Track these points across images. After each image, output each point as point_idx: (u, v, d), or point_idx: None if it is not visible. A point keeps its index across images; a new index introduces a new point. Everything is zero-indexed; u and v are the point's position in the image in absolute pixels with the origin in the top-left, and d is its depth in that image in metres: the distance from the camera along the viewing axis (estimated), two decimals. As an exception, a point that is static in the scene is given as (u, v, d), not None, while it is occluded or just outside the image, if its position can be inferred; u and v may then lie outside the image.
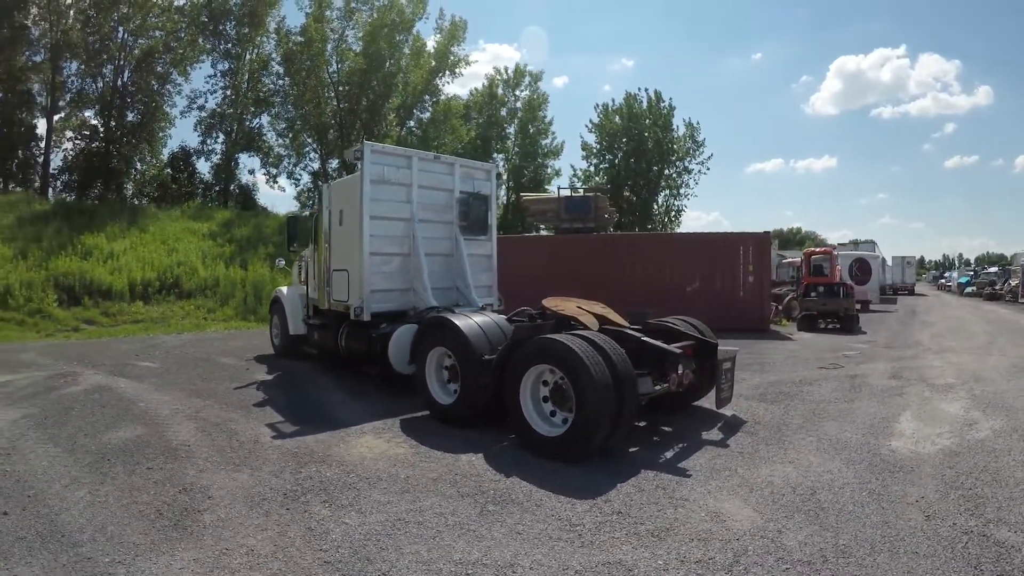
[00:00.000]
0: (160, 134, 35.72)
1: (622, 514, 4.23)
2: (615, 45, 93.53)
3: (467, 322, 6.71)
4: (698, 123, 42.83)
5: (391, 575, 3.36)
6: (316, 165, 40.89)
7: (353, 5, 36.86)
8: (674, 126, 41.53)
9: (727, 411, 6.92)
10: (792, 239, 63.56)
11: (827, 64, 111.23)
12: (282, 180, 60.35)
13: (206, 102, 35.88)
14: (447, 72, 39.62)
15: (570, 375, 5.23)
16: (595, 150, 42.85)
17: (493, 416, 6.29)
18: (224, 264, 22.11)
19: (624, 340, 5.92)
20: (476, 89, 45.86)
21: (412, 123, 41.70)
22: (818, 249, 23.43)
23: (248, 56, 35.76)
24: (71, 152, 31.72)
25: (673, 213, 42.15)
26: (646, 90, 42.47)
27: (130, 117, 32.91)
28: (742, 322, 16.58)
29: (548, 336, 5.61)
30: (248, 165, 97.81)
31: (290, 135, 39.74)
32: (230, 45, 34.20)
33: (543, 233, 24.69)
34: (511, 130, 45.86)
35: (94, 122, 31.91)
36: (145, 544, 3.95)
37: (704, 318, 16.66)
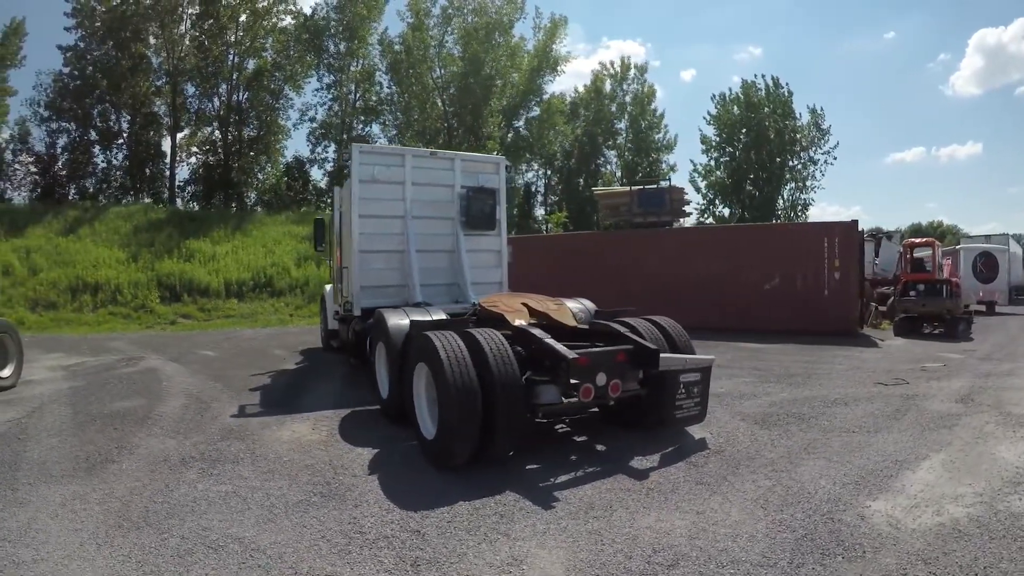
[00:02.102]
0: (277, 145, 39.77)
1: (423, 535, 3.85)
2: (742, 33, 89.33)
3: (397, 320, 6.80)
4: (821, 109, 40.31)
5: (173, 532, 3.96)
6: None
7: (450, 11, 38.76)
8: (796, 114, 39.36)
9: (698, 432, 6.14)
10: (932, 234, 57.28)
11: (965, 39, 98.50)
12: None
13: (316, 114, 39.43)
14: (548, 71, 40.46)
15: (435, 375, 5.09)
16: (714, 143, 41.66)
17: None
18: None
19: (528, 342, 5.61)
20: (586, 86, 46.44)
21: (520, 123, 43.01)
22: (919, 240, 21.10)
23: (352, 68, 38.78)
24: (195, 166, 36.30)
25: (800, 208, 39.90)
26: (763, 77, 40.70)
27: (249, 131, 37.01)
28: (826, 325, 15.31)
29: (425, 332, 5.41)
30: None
31: (400, 141, 42.44)
32: (333, 59, 37.30)
33: (588, 231, 24.54)
34: (621, 125, 45.80)
35: (215, 136, 36.19)
36: (56, 475, 5.08)
37: (783, 320, 15.89)
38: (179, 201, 34.35)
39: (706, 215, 41.51)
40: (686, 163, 57.29)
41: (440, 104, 41.02)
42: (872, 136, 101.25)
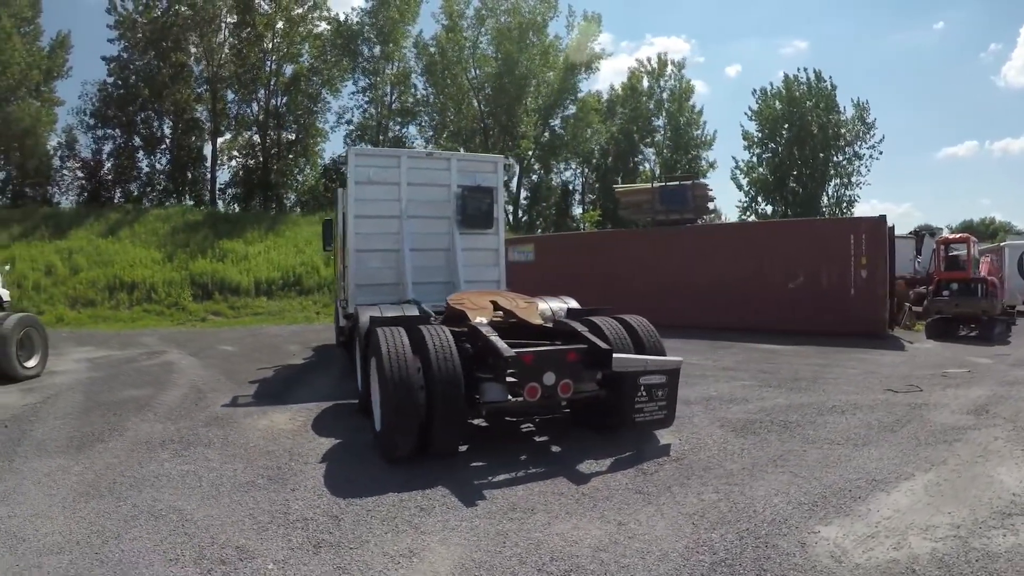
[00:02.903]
0: (315, 148, 40.98)
1: (338, 521, 4.09)
2: (787, 27, 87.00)
3: (366, 316, 6.97)
4: (866, 102, 39.29)
5: (127, 501, 4.43)
6: (465, 168, 43.94)
7: (484, 12, 39.31)
8: (840, 107, 38.60)
9: (668, 437, 5.95)
10: (984, 231, 54.84)
11: (1016, 28, 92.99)
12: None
13: (353, 117, 40.50)
14: (583, 69, 40.66)
15: (377, 369, 5.27)
16: (756, 139, 41.16)
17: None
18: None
19: (476, 339, 5.69)
20: (622, 83, 46.38)
21: (556, 122, 43.30)
22: (954, 236, 20.29)
23: (387, 71, 39.70)
24: (235, 169, 37.76)
25: (845, 204, 39.03)
26: (805, 70, 39.99)
27: (287, 135, 38.26)
28: (853, 326, 14.82)
29: (377, 328, 5.54)
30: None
31: (436, 143, 43.14)
32: (367, 63, 38.29)
33: (610, 229, 24.54)
34: (659, 123, 45.58)
35: (255, 140, 37.58)
36: (51, 451, 5.70)
37: (807, 320, 15.68)
38: (220, 203, 35.82)
39: (748, 212, 41.10)
40: (730, 160, 56.29)
41: (476, 104, 41.62)
42: (922, 130, 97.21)
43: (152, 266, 21.68)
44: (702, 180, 24.01)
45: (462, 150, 43.27)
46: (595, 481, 4.84)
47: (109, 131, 32.87)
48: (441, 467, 5.09)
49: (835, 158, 38.79)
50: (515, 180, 45.35)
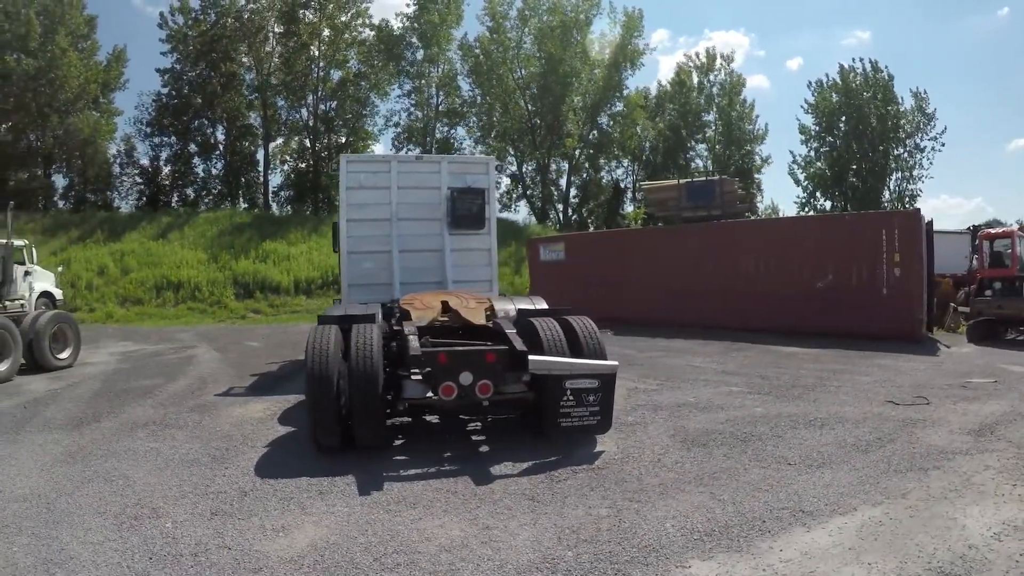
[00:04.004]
0: (366, 150, 42.43)
1: (244, 495, 4.54)
2: (848, 17, 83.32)
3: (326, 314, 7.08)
4: (925, 92, 37.92)
5: (92, 468, 5.20)
6: (513, 168, 44.74)
7: (527, 12, 39.91)
8: (899, 98, 37.43)
9: (609, 444, 5.82)
10: None
11: None
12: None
13: (400, 120, 41.79)
14: (628, 66, 40.72)
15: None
16: (813, 132, 40.34)
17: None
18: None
19: (399, 337, 5.89)
20: (670, 79, 46.13)
21: (603, 119, 43.51)
22: (997, 231, 19.20)
23: (432, 73, 40.80)
24: (287, 172, 39.65)
25: (907, 199, 37.77)
26: (861, 60, 38.93)
27: (337, 138, 39.83)
28: (885, 328, 13.95)
29: (317, 326, 5.78)
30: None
31: (484, 144, 44.00)
32: (410, 67, 39.47)
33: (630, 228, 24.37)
34: (709, 118, 45.11)
35: (305, 144, 39.32)
36: (52, 428, 6.62)
37: (836, 322, 15.35)
38: (274, 206, 37.67)
39: (807, 208, 40.26)
40: (788, 155, 55.12)
41: (523, 104, 42.17)
42: (991, 122, 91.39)
43: (198, 266, 23.25)
44: (729, 176, 23.73)
45: (511, 150, 44.14)
46: (497, 483, 4.86)
47: (165, 138, 35.24)
48: (364, 459, 5.35)
49: (895, 151, 37.63)
50: (564, 179, 45.83)
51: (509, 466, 5.26)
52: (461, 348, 5.68)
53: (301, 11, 34.66)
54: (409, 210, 10.09)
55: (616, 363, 5.74)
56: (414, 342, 5.54)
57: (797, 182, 40.53)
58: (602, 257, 19.89)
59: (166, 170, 36.20)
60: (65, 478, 5.00)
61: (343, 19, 36.10)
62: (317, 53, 35.73)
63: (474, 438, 6.31)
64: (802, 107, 40.82)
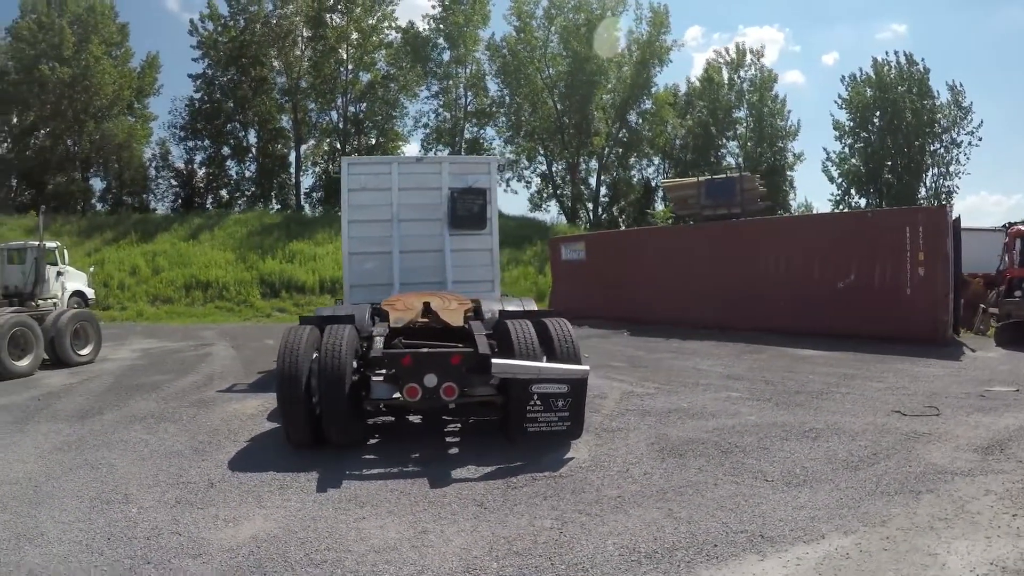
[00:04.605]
0: (395, 152, 43.06)
1: (211, 486, 4.79)
2: (884, 10, 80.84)
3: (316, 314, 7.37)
4: (961, 85, 36.84)
5: (83, 456, 5.56)
6: (543, 168, 44.90)
7: (553, 11, 39.99)
8: (934, 92, 36.49)
9: (581, 450, 5.68)
10: None
11: None
12: (514, 183, 66.50)
13: (429, 121, 42.32)
14: (655, 63, 40.52)
15: None
16: (847, 128, 39.62)
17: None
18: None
19: (369, 338, 5.97)
20: (699, 75, 45.74)
21: (633, 117, 43.38)
22: None
23: (459, 74, 41.21)
24: (318, 173, 40.49)
25: (944, 196, 36.80)
26: (896, 53, 38.03)
27: (367, 140, 40.55)
28: (909, 330, 13.42)
29: (293, 326, 5.95)
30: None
31: (515, 142, 44.15)
32: (437, 68, 39.96)
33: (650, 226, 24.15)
34: (740, 114, 44.58)
35: (336, 146, 40.11)
36: (59, 419, 7.04)
37: (858, 323, 15.00)
38: (306, 207, 38.57)
39: (841, 206, 39.56)
40: (819, 151, 54.20)
41: (551, 103, 42.25)
42: None
43: (226, 266, 24.05)
44: (750, 173, 23.45)
45: (541, 149, 44.29)
46: (452, 487, 4.83)
47: (199, 142, 36.41)
48: (334, 457, 5.46)
49: (931, 146, 36.69)
50: (593, 178, 45.79)
51: (471, 470, 5.22)
52: (425, 350, 5.65)
53: (328, 15, 35.41)
54: (410, 211, 10.22)
55: (587, 368, 5.62)
56: (378, 343, 5.65)
57: (831, 179, 39.87)
58: (621, 256, 19.87)
59: (200, 173, 37.44)
60: (57, 464, 5.37)
61: (370, 22, 36.73)
62: (345, 56, 36.48)
63: (448, 440, 6.32)
64: (835, 102, 40.14)
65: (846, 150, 39.56)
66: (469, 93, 42.62)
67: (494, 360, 5.37)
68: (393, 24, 38.12)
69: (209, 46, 34.84)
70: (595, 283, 20.12)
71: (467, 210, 10.32)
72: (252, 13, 34.78)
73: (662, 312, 17.19)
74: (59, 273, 16.39)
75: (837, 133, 39.64)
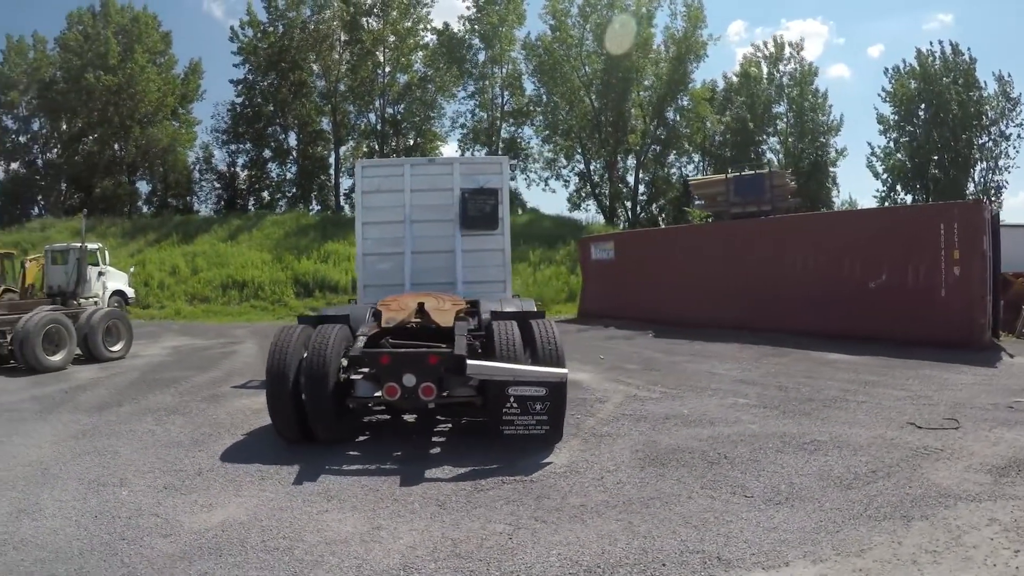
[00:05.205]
0: (434, 152, 43.74)
1: (199, 475, 5.04)
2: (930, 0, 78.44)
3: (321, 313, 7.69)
4: (1009, 75, 35.56)
5: (93, 443, 6.08)
6: (581, 166, 44.97)
7: (587, 9, 40.01)
8: (981, 83, 35.34)
9: (561, 455, 5.57)
10: None
11: None
12: (553, 182, 66.54)
13: (466, 121, 42.85)
14: (692, 58, 40.19)
15: None
16: (892, 122, 38.66)
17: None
18: None
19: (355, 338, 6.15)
20: (735, 70, 45.18)
21: (670, 113, 43.09)
22: None
23: (495, 73, 41.58)
24: (357, 174, 41.48)
25: (993, 191, 35.61)
26: (940, 43, 36.94)
27: (406, 141, 41.30)
28: (944, 333, 12.65)
29: (287, 325, 6.24)
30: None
31: (552, 140, 44.27)
32: (472, 68, 40.43)
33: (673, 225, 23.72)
34: (780, 109, 43.83)
35: (375, 147, 40.95)
36: (80, 409, 7.55)
37: (889, 326, 14.39)
38: (346, 208, 39.46)
39: (887, 203, 38.56)
40: (863, 146, 52.88)
41: (588, 101, 42.23)
42: None
43: (262, 266, 24.88)
44: (778, 169, 23.04)
45: (579, 148, 44.30)
46: (421, 486, 4.89)
47: (241, 145, 37.68)
48: (319, 451, 5.65)
49: (979, 139, 35.53)
50: (632, 176, 45.59)
51: (446, 470, 5.25)
52: (403, 350, 5.77)
53: (364, 19, 36.21)
54: (423, 212, 10.40)
55: (565, 371, 5.57)
56: (359, 342, 5.85)
57: (876, 175, 39.11)
58: (649, 255, 19.78)
59: (243, 175, 38.74)
60: (68, 450, 5.83)
61: (406, 24, 37.43)
62: (382, 59, 37.28)
63: (435, 440, 6.39)
64: (879, 95, 39.24)
65: (891, 145, 38.84)
66: (506, 93, 43.01)
67: (469, 361, 5.41)
68: (428, 26, 38.81)
69: (249, 52, 36.09)
70: (624, 283, 20.04)
71: (479, 210, 10.46)
72: (290, 19, 35.90)
73: (690, 313, 16.98)
74: (100, 273, 17.27)
75: (881, 127, 38.87)
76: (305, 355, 5.79)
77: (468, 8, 39.18)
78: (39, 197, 36.25)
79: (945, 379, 9.05)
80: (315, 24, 35.56)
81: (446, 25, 39.54)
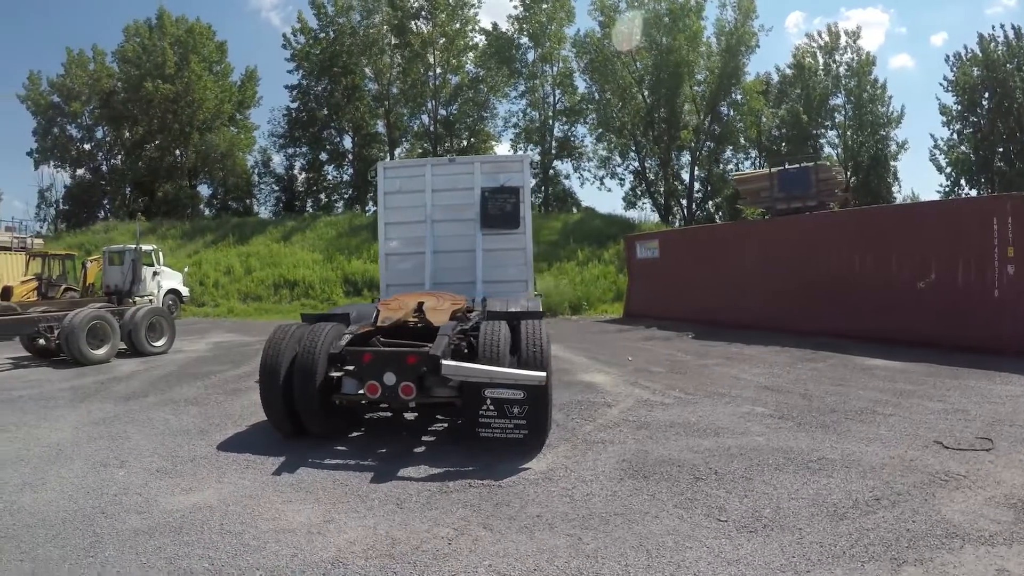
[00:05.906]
0: (488, 152, 44.18)
1: (193, 462, 5.31)
2: None
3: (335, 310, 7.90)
4: (1077, 58, 33.23)
5: (107, 429, 6.64)
6: (635, 164, 44.70)
7: (636, 3, 39.69)
8: (1047, 67, 33.16)
9: (540, 460, 5.45)
10: None
11: None
12: (608, 181, 66.18)
13: (518, 120, 43.18)
14: (743, 50, 39.37)
15: None
16: (955, 113, 36.91)
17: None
18: None
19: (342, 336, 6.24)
20: (788, 62, 43.93)
21: (724, 108, 42.30)
22: None
23: (546, 72, 41.73)
24: (411, 175, 42.46)
25: (1062, 184, 33.46)
26: (1002, 27, 34.92)
27: (459, 142, 41.89)
28: (997, 338, 11.64)
29: (286, 323, 6.39)
30: (563, 171, 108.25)
31: (607, 138, 44.09)
32: (522, 67, 40.70)
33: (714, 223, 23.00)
34: (838, 101, 42.34)
35: (428, 148, 41.72)
36: (110, 398, 8.16)
37: (935, 329, 13.25)
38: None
39: (951, 197, 36.77)
40: (925, 138, 50.45)
41: (641, 97, 41.86)
42: None
43: (312, 267, 25.85)
44: (826, 162, 22.29)
45: (632, 146, 43.94)
46: (389, 483, 4.92)
47: (298, 149, 39.09)
48: (309, 445, 5.84)
49: (1048, 128, 33.47)
50: (687, 173, 44.93)
51: (421, 469, 5.23)
52: (383, 349, 5.88)
53: (412, 22, 36.98)
54: (444, 212, 10.63)
55: (543, 374, 5.39)
56: (343, 340, 6.02)
57: (939, 169, 37.38)
58: (694, 255, 19.49)
59: (301, 178, 40.19)
60: (85, 435, 6.35)
61: (454, 26, 38.01)
62: (433, 61, 37.99)
63: (424, 439, 6.38)
64: (941, 84, 37.40)
65: (954, 136, 37.13)
66: (557, 91, 43.06)
67: (444, 362, 5.39)
68: (476, 27, 39.31)
69: (302, 58, 37.39)
70: (669, 282, 19.82)
71: (499, 209, 10.58)
72: (340, 25, 37.02)
73: (734, 314, 16.62)
74: (155, 273, 18.32)
75: (944, 118, 37.13)
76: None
77: (516, 7, 39.54)
78: (104, 201, 38.65)
79: (989, 390, 8.19)
80: (364, 29, 36.59)
81: (495, 25, 40.03)
